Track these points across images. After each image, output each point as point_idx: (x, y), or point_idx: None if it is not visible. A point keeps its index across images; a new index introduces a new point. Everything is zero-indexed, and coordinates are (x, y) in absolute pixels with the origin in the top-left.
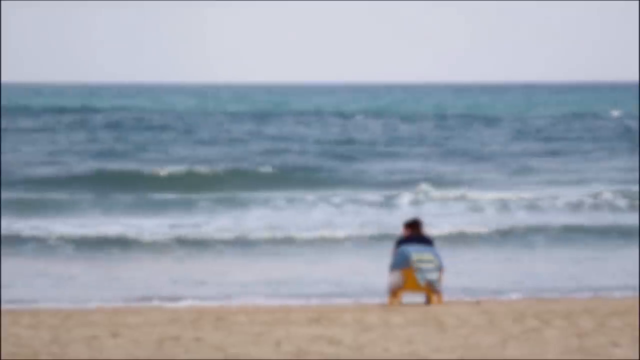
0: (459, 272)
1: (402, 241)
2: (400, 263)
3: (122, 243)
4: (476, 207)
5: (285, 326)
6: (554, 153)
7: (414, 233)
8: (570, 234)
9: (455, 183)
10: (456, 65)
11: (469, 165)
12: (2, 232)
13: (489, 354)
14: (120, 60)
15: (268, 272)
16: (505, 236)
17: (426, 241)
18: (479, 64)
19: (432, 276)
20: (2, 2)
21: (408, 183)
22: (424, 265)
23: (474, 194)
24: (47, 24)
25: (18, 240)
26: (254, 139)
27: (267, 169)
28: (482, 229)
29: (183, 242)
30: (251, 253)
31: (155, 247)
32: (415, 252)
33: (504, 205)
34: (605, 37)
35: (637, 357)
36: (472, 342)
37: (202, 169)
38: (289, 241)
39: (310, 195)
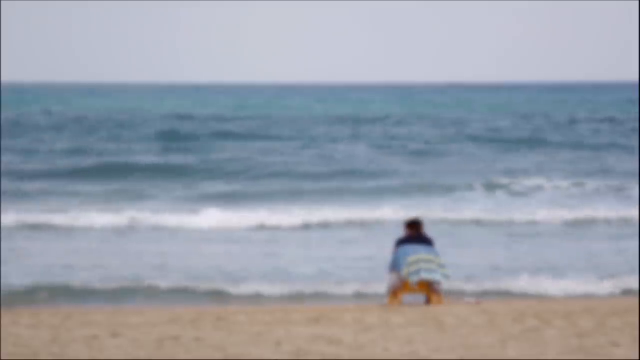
0: None
1: (402, 241)
2: (399, 264)
3: None
4: None
5: (285, 326)
6: None
7: (415, 233)
8: None
9: None
10: (455, 65)
11: None
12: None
13: (489, 354)
14: (121, 60)
15: None
16: None
17: (426, 241)
18: (477, 64)
19: (432, 276)
20: (1, 2)
21: None
22: (422, 266)
23: None
24: (47, 24)
25: None
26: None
27: None
28: None
29: None
30: None
31: None
32: (414, 253)
33: None
34: (605, 37)
35: (637, 357)
36: (472, 342)
37: None
38: None
39: None
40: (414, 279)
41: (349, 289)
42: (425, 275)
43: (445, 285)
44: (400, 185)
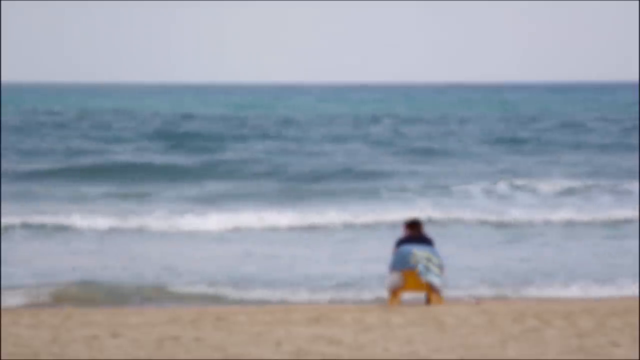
0: None
1: (402, 241)
2: (400, 263)
3: None
4: None
5: (285, 326)
6: None
7: (415, 233)
8: None
9: None
10: (455, 65)
11: None
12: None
13: (489, 354)
14: (120, 60)
15: None
16: None
17: (426, 241)
18: (477, 64)
19: (431, 276)
20: (2, 2)
21: None
22: (423, 262)
23: None
24: (47, 24)
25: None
26: None
27: None
28: None
29: None
30: None
31: None
32: (415, 251)
33: None
34: (605, 37)
35: (637, 357)
36: (472, 342)
37: None
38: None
39: None
40: (423, 276)
41: (352, 290)
42: (428, 275)
43: (444, 285)
44: (401, 185)
